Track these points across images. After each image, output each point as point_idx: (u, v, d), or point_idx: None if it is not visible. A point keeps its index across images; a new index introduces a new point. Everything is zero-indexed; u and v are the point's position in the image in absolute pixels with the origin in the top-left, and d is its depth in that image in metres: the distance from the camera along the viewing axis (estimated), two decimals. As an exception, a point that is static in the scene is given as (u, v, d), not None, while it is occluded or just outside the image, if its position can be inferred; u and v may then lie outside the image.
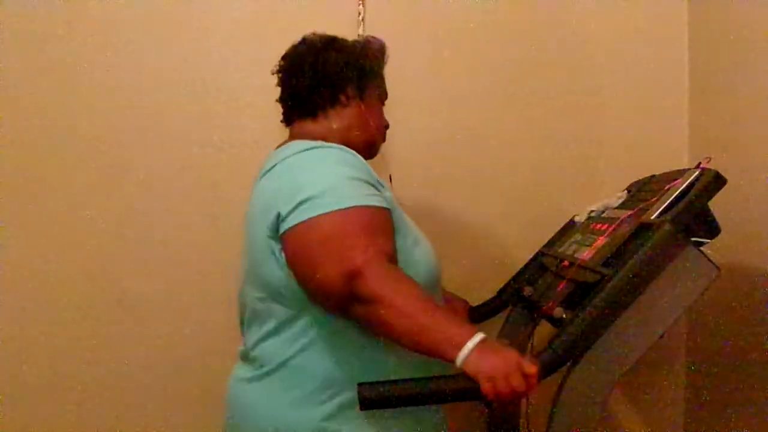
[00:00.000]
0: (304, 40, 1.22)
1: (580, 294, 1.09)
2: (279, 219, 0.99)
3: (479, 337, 0.88)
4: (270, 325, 1.06)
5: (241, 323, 1.17)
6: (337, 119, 1.18)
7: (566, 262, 1.21)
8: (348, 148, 1.08)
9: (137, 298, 1.65)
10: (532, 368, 0.87)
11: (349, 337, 1.02)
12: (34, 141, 1.64)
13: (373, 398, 0.90)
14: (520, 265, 1.49)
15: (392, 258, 0.98)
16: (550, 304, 1.16)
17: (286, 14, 1.67)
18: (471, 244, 1.72)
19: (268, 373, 1.05)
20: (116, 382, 1.64)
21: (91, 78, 1.65)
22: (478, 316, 1.46)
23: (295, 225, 0.96)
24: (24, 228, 1.64)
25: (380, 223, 1.00)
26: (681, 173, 1.14)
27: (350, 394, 0.99)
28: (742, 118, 1.47)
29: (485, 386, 0.87)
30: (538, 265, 1.43)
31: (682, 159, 1.70)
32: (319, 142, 1.08)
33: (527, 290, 1.34)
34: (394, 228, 1.03)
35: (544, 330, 1.39)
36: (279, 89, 1.24)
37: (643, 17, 1.73)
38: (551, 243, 1.45)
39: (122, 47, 1.65)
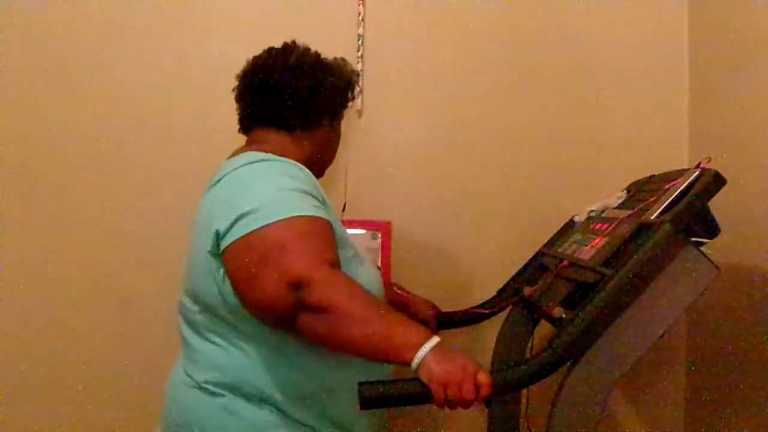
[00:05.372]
0: (291, 51, 1.18)
1: (580, 294, 1.09)
2: (218, 236, 0.97)
3: (435, 341, 0.88)
4: (207, 338, 1.05)
5: (180, 324, 1.15)
6: (306, 141, 1.17)
7: (566, 262, 1.21)
8: (297, 163, 1.06)
9: (137, 298, 1.65)
10: (485, 378, 0.87)
11: (286, 353, 1.01)
12: (34, 141, 1.64)
13: (373, 398, 0.90)
14: (520, 265, 1.49)
15: (337, 265, 0.96)
16: (550, 304, 1.16)
17: (286, 14, 1.67)
18: (471, 244, 1.72)
19: (207, 384, 1.03)
20: (116, 382, 1.64)
21: (91, 78, 1.65)
22: (477, 316, 1.46)
23: (235, 240, 0.94)
24: (24, 228, 1.64)
25: (322, 232, 0.97)
26: (681, 173, 1.14)
27: (289, 410, 1.01)
28: (742, 118, 1.47)
29: (436, 391, 0.86)
30: (538, 265, 1.43)
31: (682, 159, 1.70)
32: (269, 155, 1.06)
33: (527, 290, 1.34)
34: (337, 244, 1.00)
35: (544, 330, 1.40)
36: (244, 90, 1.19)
37: (643, 17, 1.73)
38: (551, 243, 1.45)
39: (122, 47, 1.65)
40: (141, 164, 1.66)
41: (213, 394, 1.03)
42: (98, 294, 1.65)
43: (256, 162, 1.04)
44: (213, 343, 1.05)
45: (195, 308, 1.07)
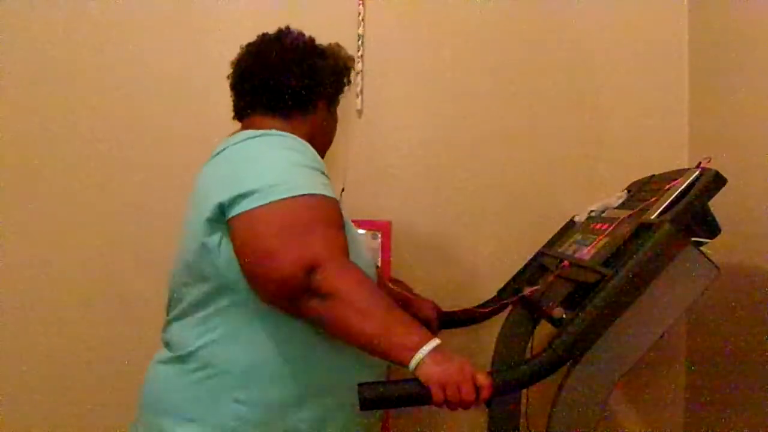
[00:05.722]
0: (285, 35, 1.18)
1: (580, 294, 1.09)
2: (222, 205, 0.95)
3: (434, 343, 0.87)
4: (192, 311, 1.03)
5: (168, 306, 1.13)
6: (302, 125, 1.15)
7: (566, 262, 1.21)
8: (299, 138, 1.04)
9: (137, 298, 1.64)
10: (485, 380, 0.87)
11: (273, 332, 0.99)
12: (34, 141, 1.64)
13: (373, 398, 0.89)
14: (520, 265, 1.49)
15: (348, 253, 0.96)
16: (550, 304, 1.16)
17: (286, 14, 1.66)
18: (471, 244, 1.72)
19: (183, 359, 1.02)
20: (116, 382, 1.64)
21: (91, 78, 1.65)
22: (478, 316, 1.46)
23: (247, 211, 0.92)
24: (24, 228, 1.64)
25: (335, 215, 0.97)
26: (681, 173, 1.14)
27: (269, 396, 0.98)
28: (742, 118, 1.47)
29: (435, 392, 0.86)
30: (538, 265, 1.43)
31: (682, 159, 1.70)
32: (272, 130, 1.05)
33: (527, 290, 1.33)
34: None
35: (544, 330, 1.40)
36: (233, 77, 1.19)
37: (643, 17, 1.73)
38: (551, 243, 1.45)
39: (122, 47, 1.65)
40: (141, 164, 1.66)
41: (188, 366, 1.01)
42: (98, 294, 1.65)
43: (261, 135, 1.03)
44: (197, 315, 1.02)
45: (185, 279, 1.04)
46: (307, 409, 1.01)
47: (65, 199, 1.65)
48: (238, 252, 0.95)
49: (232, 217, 0.94)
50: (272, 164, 0.98)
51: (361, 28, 1.68)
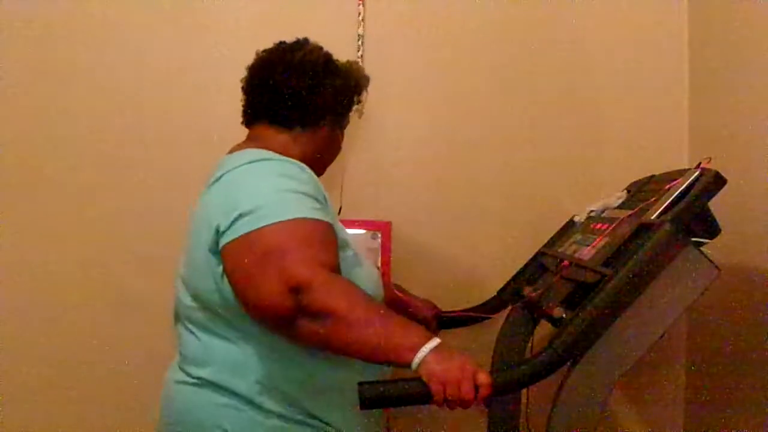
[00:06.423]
0: (300, 47, 1.18)
1: (580, 294, 1.09)
2: (218, 233, 0.97)
3: (435, 342, 0.88)
4: (204, 334, 1.05)
5: (175, 322, 1.15)
6: (306, 140, 1.16)
7: (566, 262, 1.21)
8: (299, 162, 1.05)
9: (137, 298, 1.65)
10: (485, 379, 0.87)
11: (283, 352, 1.01)
12: (34, 141, 1.64)
13: (373, 398, 0.90)
14: (520, 265, 1.49)
15: (336, 270, 0.95)
16: (550, 304, 1.16)
17: (286, 14, 1.67)
18: (471, 244, 1.72)
19: (205, 382, 1.03)
20: (116, 382, 1.64)
21: (91, 78, 1.65)
22: (477, 316, 1.46)
23: (235, 239, 0.94)
24: (24, 227, 1.64)
25: (322, 236, 0.96)
26: (681, 173, 1.14)
27: (291, 408, 1.01)
28: (742, 118, 1.47)
29: (436, 390, 0.86)
30: (538, 265, 1.43)
31: (682, 159, 1.70)
32: (270, 154, 1.05)
33: (527, 290, 1.34)
34: (337, 245, 1.00)
35: (544, 330, 1.40)
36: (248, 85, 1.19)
37: (643, 17, 1.73)
38: (551, 243, 1.45)
39: (122, 47, 1.65)
40: (141, 164, 1.66)
41: (208, 390, 1.03)
42: (98, 294, 1.65)
43: (257, 161, 1.03)
44: (210, 339, 1.05)
45: (193, 305, 1.06)
46: (318, 410, 1.03)
47: (65, 199, 1.65)
48: (229, 278, 0.97)
49: (221, 247, 0.96)
50: (261, 193, 0.98)
51: (361, 28, 1.68)
